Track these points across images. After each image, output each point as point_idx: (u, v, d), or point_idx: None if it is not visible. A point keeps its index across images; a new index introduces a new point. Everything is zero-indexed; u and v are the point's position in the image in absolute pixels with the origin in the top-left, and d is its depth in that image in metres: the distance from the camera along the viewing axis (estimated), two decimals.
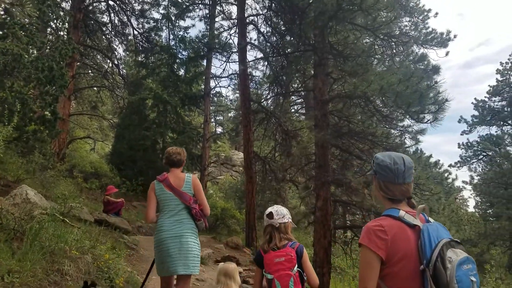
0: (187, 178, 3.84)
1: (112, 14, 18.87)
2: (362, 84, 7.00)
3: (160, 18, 18.99)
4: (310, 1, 8.96)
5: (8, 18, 8.34)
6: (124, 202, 11.12)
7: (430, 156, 28.74)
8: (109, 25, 19.16)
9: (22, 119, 8.00)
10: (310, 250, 11.12)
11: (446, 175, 32.28)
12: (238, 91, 29.69)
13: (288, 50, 12.08)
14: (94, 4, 18.79)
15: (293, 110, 19.62)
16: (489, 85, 34.11)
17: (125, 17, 19.22)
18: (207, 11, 19.00)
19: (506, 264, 21.03)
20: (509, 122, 32.17)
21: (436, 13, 18.85)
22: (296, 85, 16.81)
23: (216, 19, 19.16)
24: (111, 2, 18.59)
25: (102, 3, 18.96)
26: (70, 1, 16.30)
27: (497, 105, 33.60)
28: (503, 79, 33.07)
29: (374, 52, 8.76)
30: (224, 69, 27.76)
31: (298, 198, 19.07)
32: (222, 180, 28.03)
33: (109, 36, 19.53)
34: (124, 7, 18.97)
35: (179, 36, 19.11)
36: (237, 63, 13.97)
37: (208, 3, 18.99)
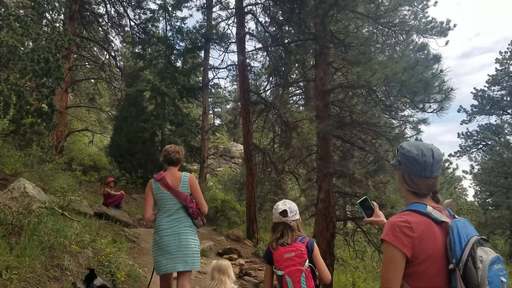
0: (183, 178, 3.83)
1: (108, 5, 18.63)
2: (366, 73, 6.86)
3: (157, 8, 18.73)
4: None
5: (3, 9, 8.18)
6: (124, 194, 11.05)
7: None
8: (106, 16, 18.92)
9: (18, 111, 7.89)
10: None
11: (447, 164, 32.32)
12: (236, 83, 29.55)
13: (289, 40, 11.89)
14: None
15: (291, 101, 19.48)
16: (488, 75, 34.01)
17: (121, 8, 19.00)
18: (204, 1, 18.74)
19: (507, 252, 21.12)
20: (509, 111, 32.13)
21: (436, 2, 18.65)
22: (294, 76, 16.65)
23: (214, 9, 18.94)
24: None
25: None
26: None
27: (496, 94, 33.52)
28: (502, 68, 32.96)
29: (376, 41, 8.60)
30: (222, 60, 27.56)
31: (297, 190, 19.05)
32: (221, 172, 27.99)
33: (106, 28, 19.30)
34: None
35: (176, 27, 18.88)
36: (236, 54, 13.80)
37: None
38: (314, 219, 9.40)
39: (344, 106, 8.80)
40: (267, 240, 11.91)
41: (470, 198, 38.61)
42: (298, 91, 20.79)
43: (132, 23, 19.15)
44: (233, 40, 16.36)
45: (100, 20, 18.89)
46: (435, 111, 7.25)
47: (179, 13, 19.19)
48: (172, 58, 18.94)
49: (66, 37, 9.66)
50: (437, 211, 1.64)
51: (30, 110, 8.39)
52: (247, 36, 13.39)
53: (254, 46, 15.31)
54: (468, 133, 34.16)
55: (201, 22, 19.21)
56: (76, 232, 5.43)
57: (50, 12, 9.80)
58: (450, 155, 33.27)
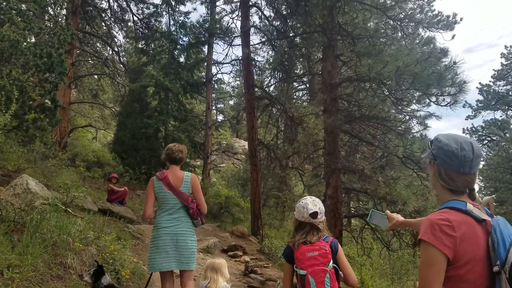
0: (185, 178, 3.84)
1: (111, 0, 18.48)
2: (377, 65, 6.68)
3: (160, 3, 18.58)
4: None
5: (4, 3, 8.05)
6: (127, 190, 10.96)
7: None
8: (108, 11, 18.78)
9: (21, 107, 7.78)
10: None
11: None
12: (239, 78, 29.38)
13: (296, 32, 11.68)
14: None
15: (295, 97, 19.31)
16: (493, 69, 33.73)
17: (124, 3, 18.85)
18: None
19: None
20: None
21: None
22: (298, 71, 16.48)
23: (217, 3, 18.75)
24: None
25: None
26: None
27: (502, 89, 33.25)
28: (507, 63, 32.65)
29: (385, 33, 8.41)
30: (226, 55, 27.33)
31: (301, 186, 18.93)
32: (224, 168, 27.93)
33: (109, 23, 19.16)
34: None
35: (180, 21, 18.73)
36: (240, 48, 13.63)
37: None
38: None
39: (352, 100, 8.62)
40: (272, 237, 11.83)
41: None
42: (301, 86, 20.65)
43: (135, 18, 19.02)
44: (237, 34, 16.18)
45: (103, 15, 18.74)
46: (449, 104, 7.06)
47: (182, 8, 19.06)
48: (176, 53, 18.79)
49: (69, 32, 9.52)
50: (476, 209, 1.51)
51: (33, 106, 8.28)
52: (252, 30, 13.24)
53: (260, 39, 15.03)
54: (473, 128, 33.95)
55: (204, 17, 19.05)
56: (80, 229, 5.34)
57: (53, 6, 9.67)
58: None
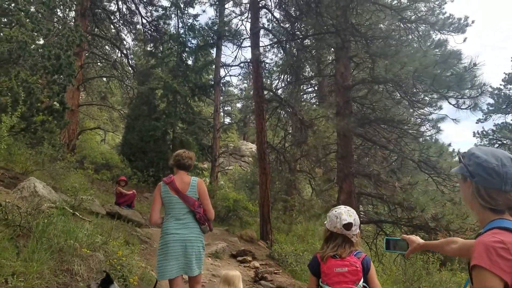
0: (192, 182, 3.82)
1: (120, 2, 18.53)
2: (395, 67, 6.47)
3: (169, 5, 18.58)
4: None
5: (13, 5, 8.01)
6: (136, 193, 10.85)
7: (449, 144, 28.23)
8: (117, 13, 18.84)
9: (29, 109, 7.71)
10: None
11: None
12: (247, 80, 29.26)
13: (307, 33, 11.50)
14: None
15: (303, 99, 19.14)
16: (504, 73, 33.31)
17: (133, 5, 18.89)
18: None
19: None
20: None
21: None
22: (306, 73, 16.31)
23: (226, 6, 18.68)
24: None
25: None
26: None
27: None
28: None
29: (398, 34, 8.21)
30: (235, 57, 27.34)
31: (309, 190, 18.72)
32: (231, 171, 27.83)
33: (118, 25, 19.22)
34: None
35: (188, 24, 18.71)
36: (248, 50, 13.51)
37: None
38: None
39: (366, 103, 8.41)
40: (281, 242, 11.63)
41: None
42: (309, 89, 20.48)
43: (144, 21, 19.05)
44: (247, 36, 16.07)
45: (112, 17, 18.80)
46: (469, 107, 6.84)
47: (191, 10, 19.03)
48: (184, 55, 18.76)
49: (78, 34, 9.47)
50: None
51: (41, 108, 8.22)
52: (262, 32, 13.09)
53: (271, 41, 14.87)
54: (484, 132, 33.49)
55: (213, 19, 19.00)
56: (87, 233, 5.21)
57: (61, 8, 9.62)
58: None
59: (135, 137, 16.91)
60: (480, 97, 6.73)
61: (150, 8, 19.11)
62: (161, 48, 18.97)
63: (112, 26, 19.38)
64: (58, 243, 4.34)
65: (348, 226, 2.38)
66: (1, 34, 7.03)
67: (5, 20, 7.68)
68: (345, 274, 2.28)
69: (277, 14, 14.09)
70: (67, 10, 10.37)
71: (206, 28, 18.64)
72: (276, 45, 13.99)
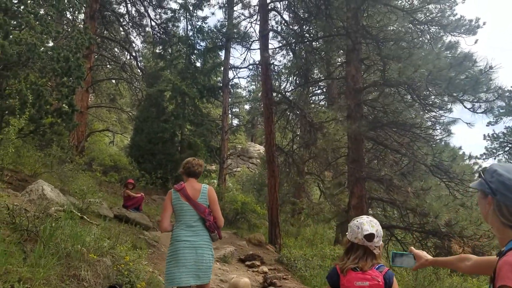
0: (203, 189, 3.85)
1: (129, 5, 18.58)
2: (408, 69, 6.34)
3: (178, 8, 18.63)
4: None
5: (22, 7, 8.02)
6: (144, 196, 10.79)
7: (460, 148, 27.89)
8: (126, 16, 18.89)
9: (38, 111, 7.70)
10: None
11: (476, 167, 31.32)
12: (255, 82, 29.19)
13: (316, 35, 11.40)
14: None
15: (311, 102, 19.02)
16: None
17: (142, 8, 18.95)
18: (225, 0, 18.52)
19: None
20: None
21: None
22: (314, 76, 16.19)
23: (235, 8, 18.65)
24: None
25: None
26: None
27: None
28: None
29: (411, 36, 8.07)
30: (244, 59, 27.32)
31: (317, 193, 18.57)
32: (239, 173, 27.77)
33: (127, 28, 19.28)
34: None
35: (197, 26, 18.72)
36: (257, 52, 13.46)
37: None
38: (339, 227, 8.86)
39: (377, 106, 8.26)
40: (290, 246, 11.52)
41: None
42: (318, 91, 20.36)
43: (153, 23, 19.10)
44: (256, 39, 16.01)
45: (121, 20, 18.86)
46: (485, 111, 6.69)
47: (200, 13, 18.99)
48: (193, 58, 18.78)
49: (87, 36, 9.47)
50: None
51: (50, 110, 8.21)
52: (271, 34, 13.02)
53: (279, 43, 14.81)
54: (495, 135, 33.05)
55: (222, 21, 19.00)
56: (95, 238, 5.16)
57: (71, 10, 9.64)
58: (476, 157, 32.27)
59: (144, 139, 16.93)
60: (496, 101, 6.58)
61: (159, 11, 19.16)
62: (170, 50, 19.00)
63: (121, 29, 19.46)
64: (65, 248, 4.28)
65: (370, 237, 2.25)
66: (11, 36, 7.03)
67: (15, 22, 7.69)
68: None
69: (286, 16, 14.04)
70: (76, 12, 10.39)
71: (214, 30, 18.67)
72: (285, 47, 13.89)
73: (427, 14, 8.40)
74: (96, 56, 17.52)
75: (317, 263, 8.97)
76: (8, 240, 4.00)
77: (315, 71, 16.09)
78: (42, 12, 8.55)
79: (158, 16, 19.21)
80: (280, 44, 14.72)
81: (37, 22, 7.61)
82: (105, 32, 18.71)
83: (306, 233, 15.07)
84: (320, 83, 17.85)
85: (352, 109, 8.07)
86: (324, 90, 19.24)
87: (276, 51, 14.94)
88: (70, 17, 12.62)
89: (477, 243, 7.06)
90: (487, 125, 34.59)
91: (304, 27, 12.88)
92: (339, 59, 13.76)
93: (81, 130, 14.60)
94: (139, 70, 20.07)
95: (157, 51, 19.35)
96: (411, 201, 7.22)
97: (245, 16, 18.19)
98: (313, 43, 12.17)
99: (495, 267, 1.35)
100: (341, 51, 11.84)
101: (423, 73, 6.32)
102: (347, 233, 2.39)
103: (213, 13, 44.06)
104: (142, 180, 14.93)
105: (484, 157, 32.63)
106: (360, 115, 8.04)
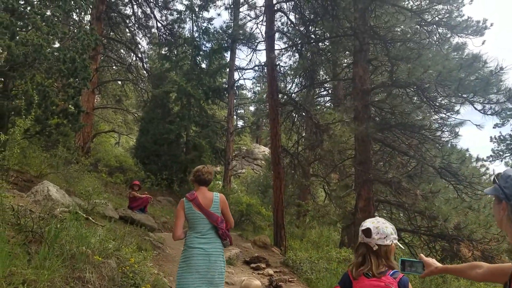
0: (215, 198, 3.92)
1: (135, 6, 18.62)
2: (417, 70, 6.26)
3: (184, 9, 18.65)
4: None
5: (29, 8, 8.03)
6: (150, 198, 10.75)
7: (467, 150, 27.62)
8: (132, 17, 18.93)
9: (44, 112, 7.70)
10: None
11: (483, 170, 31.06)
12: (260, 84, 29.15)
13: (321, 36, 11.33)
14: None
15: (317, 103, 18.94)
16: None
17: (148, 9, 19.00)
18: (231, 1, 18.51)
19: None
20: None
21: (471, 0, 17.78)
22: (320, 77, 16.12)
23: (241, 9, 18.64)
24: None
25: None
26: None
27: None
28: None
29: (419, 37, 7.97)
30: (250, 60, 27.32)
31: (322, 195, 18.47)
32: (244, 174, 27.73)
33: (133, 29, 19.33)
34: None
35: (203, 27, 18.72)
36: (263, 54, 13.40)
37: None
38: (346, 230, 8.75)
39: (385, 107, 8.17)
40: (296, 249, 11.43)
41: None
42: (323, 92, 20.27)
43: (159, 25, 19.13)
44: (261, 40, 15.98)
45: (127, 21, 18.91)
46: (496, 113, 6.60)
47: (206, 14, 19.04)
48: (198, 59, 18.77)
49: (93, 37, 9.47)
50: None
51: (56, 111, 8.21)
52: (277, 35, 12.97)
53: (285, 44, 14.76)
54: (502, 137, 32.75)
55: (228, 23, 18.99)
56: (100, 239, 5.12)
57: (77, 11, 9.65)
58: (482, 159, 31.98)
59: (149, 140, 16.93)
60: (507, 102, 6.46)
61: (165, 12, 19.19)
62: (175, 52, 19.02)
63: (127, 30, 19.51)
64: (70, 250, 4.25)
65: (367, 232, 2.15)
66: (17, 37, 7.04)
67: (21, 23, 7.70)
68: None
69: (292, 17, 13.98)
70: (83, 13, 10.41)
71: (220, 31, 18.65)
72: (291, 48, 13.83)
73: (434, 15, 8.30)
74: (102, 57, 17.57)
75: (323, 266, 8.88)
76: (13, 242, 3.98)
77: (321, 73, 16.03)
78: (48, 13, 8.55)
79: (164, 18, 19.27)
80: (286, 45, 14.68)
81: (44, 23, 7.60)
82: (111, 33, 18.77)
83: (311, 235, 14.98)
84: (325, 85, 17.77)
85: (360, 110, 8.00)
86: (330, 92, 19.16)
87: (282, 52, 14.90)
88: (77, 18, 12.66)
89: (486, 246, 6.95)
90: (493, 127, 34.30)
91: (310, 28, 12.82)
92: (346, 60, 13.68)
93: (87, 131, 14.63)
94: (145, 72, 20.11)
95: (163, 52, 19.37)
96: (419, 204, 7.12)
97: (251, 17, 18.18)
98: (319, 44, 12.10)
99: (511, 274, 1.30)
100: (348, 52, 11.76)
101: (432, 74, 6.23)
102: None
103: (219, 14, 44.17)
104: (147, 181, 14.93)
105: (491, 159, 32.32)
106: (367, 117, 7.95)
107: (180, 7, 20.78)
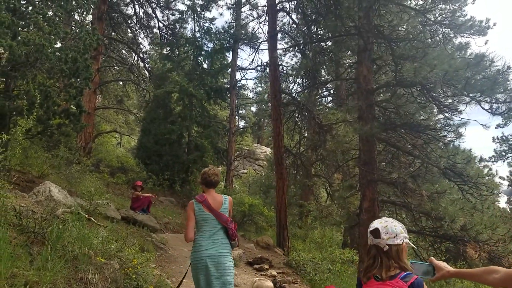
0: (224, 201, 4.02)
1: (137, 6, 18.59)
2: (423, 69, 6.21)
3: (186, 9, 18.60)
4: None
5: (30, 8, 8.00)
6: (153, 196, 10.67)
7: (470, 150, 27.51)
8: (134, 17, 18.90)
9: (45, 112, 7.66)
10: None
11: (486, 170, 30.94)
12: (262, 84, 29.09)
13: (325, 36, 11.26)
14: None
15: (320, 103, 18.88)
16: None
17: (150, 9, 18.95)
18: (233, 0, 18.47)
19: None
20: None
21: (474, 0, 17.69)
22: (321, 77, 16.05)
23: (243, 9, 18.60)
24: None
25: None
26: None
27: None
28: None
29: (423, 36, 7.91)
30: (252, 60, 27.24)
31: (324, 193, 18.40)
32: (246, 174, 27.67)
33: (134, 29, 19.31)
34: None
35: (205, 27, 18.69)
36: (265, 54, 13.36)
37: None
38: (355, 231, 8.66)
39: (389, 107, 8.12)
40: (299, 249, 11.37)
41: (502, 204, 37.02)
42: (325, 92, 20.20)
43: (161, 25, 19.10)
44: (264, 39, 15.94)
45: (129, 21, 18.88)
46: (504, 113, 6.54)
47: (207, 14, 19.02)
48: (200, 59, 18.74)
49: (95, 37, 9.42)
50: None
51: (58, 111, 8.17)
52: (280, 34, 12.92)
53: (287, 43, 14.72)
54: (504, 137, 32.62)
55: (229, 22, 18.96)
56: (102, 240, 5.07)
57: (79, 11, 9.61)
58: (485, 160, 31.84)
59: (151, 141, 16.89)
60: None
61: (167, 12, 19.17)
62: (177, 52, 18.98)
63: (129, 30, 19.49)
64: (73, 251, 4.20)
65: (376, 232, 2.05)
66: (19, 37, 7.00)
67: (23, 23, 7.66)
68: None
69: (294, 16, 13.93)
70: (84, 13, 10.36)
71: (222, 31, 18.64)
72: (293, 48, 13.78)
73: (437, 15, 8.23)
74: (103, 58, 17.54)
75: (327, 267, 8.82)
76: (15, 243, 3.93)
77: (323, 73, 15.96)
78: (50, 13, 8.51)
79: (165, 18, 19.24)
80: (289, 45, 14.62)
81: (45, 23, 7.57)
82: (113, 33, 18.75)
83: (314, 235, 14.91)
84: (327, 85, 17.70)
85: (364, 110, 7.94)
86: (332, 92, 19.09)
87: (285, 52, 14.84)
88: (78, 18, 12.63)
89: (492, 247, 6.88)
90: (496, 127, 34.14)
91: (313, 27, 12.76)
92: (348, 60, 13.61)
93: (88, 131, 14.59)
94: (146, 72, 20.08)
95: (165, 52, 19.33)
96: (425, 205, 7.06)
97: (253, 17, 18.16)
98: (322, 43, 12.04)
99: None
100: (350, 52, 11.69)
101: (438, 73, 6.17)
102: None
103: (221, 14, 44.27)
104: (149, 182, 14.89)
105: (493, 159, 32.21)
106: (372, 117, 7.90)
107: (182, 7, 20.83)
